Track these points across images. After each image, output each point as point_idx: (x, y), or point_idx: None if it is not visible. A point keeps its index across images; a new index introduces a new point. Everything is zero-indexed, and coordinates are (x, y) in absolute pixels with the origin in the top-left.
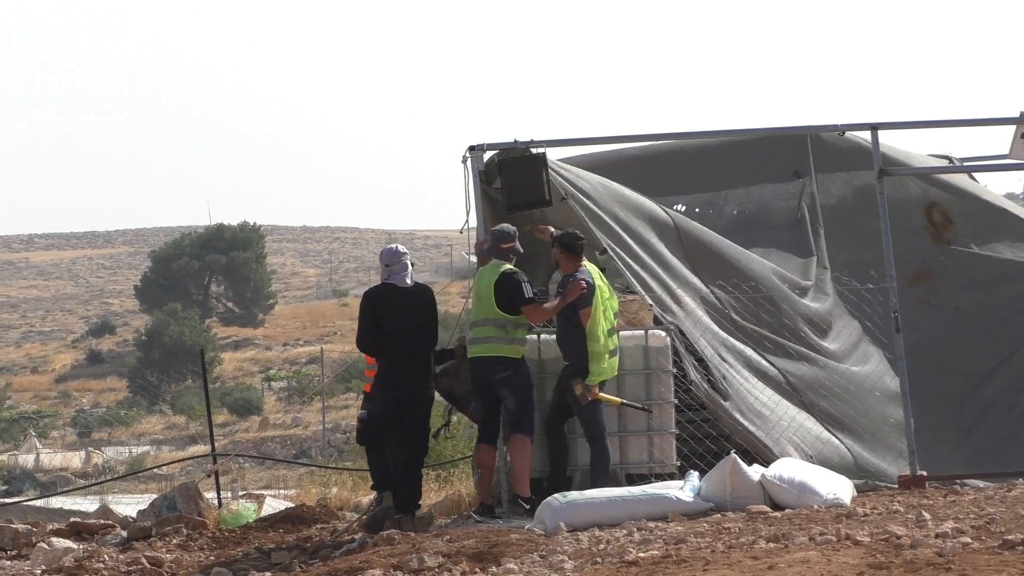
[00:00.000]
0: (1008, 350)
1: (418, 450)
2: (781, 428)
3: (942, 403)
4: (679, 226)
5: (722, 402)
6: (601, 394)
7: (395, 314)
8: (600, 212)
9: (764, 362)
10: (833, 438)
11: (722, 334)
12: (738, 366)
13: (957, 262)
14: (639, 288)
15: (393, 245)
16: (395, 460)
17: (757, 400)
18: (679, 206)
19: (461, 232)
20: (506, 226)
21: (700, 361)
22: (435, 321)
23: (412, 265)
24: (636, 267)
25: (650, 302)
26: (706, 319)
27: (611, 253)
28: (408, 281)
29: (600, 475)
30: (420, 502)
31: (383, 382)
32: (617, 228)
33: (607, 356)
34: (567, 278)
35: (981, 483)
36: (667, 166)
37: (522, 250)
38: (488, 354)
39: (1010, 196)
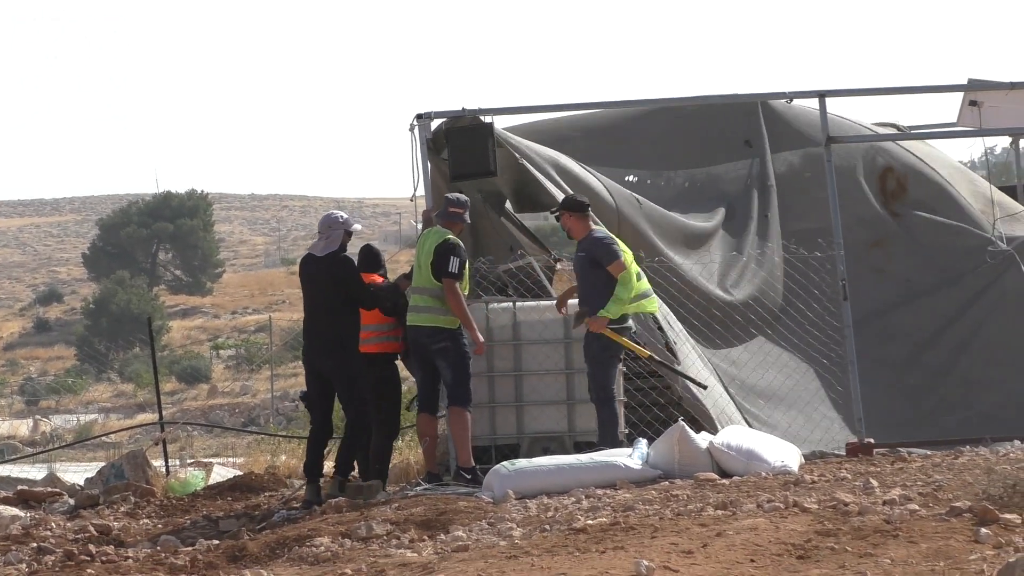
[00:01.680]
0: (954, 317)
1: (350, 421)
2: (722, 401)
3: (890, 371)
4: (620, 208)
5: (675, 367)
6: (619, 336)
7: (303, 284)
8: (549, 179)
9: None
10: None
11: (664, 307)
12: (682, 336)
13: (908, 229)
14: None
15: (325, 213)
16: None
17: (697, 371)
18: (630, 177)
19: (411, 200)
20: (460, 195)
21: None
22: (335, 291)
23: (347, 233)
24: None
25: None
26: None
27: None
28: (318, 251)
29: (608, 439)
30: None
31: None
32: (569, 190)
33: (631, 301)
34: (592, 241)
35: (928, 451)
36: (617, 137)
37: (469, 220)
38: (425, 323)
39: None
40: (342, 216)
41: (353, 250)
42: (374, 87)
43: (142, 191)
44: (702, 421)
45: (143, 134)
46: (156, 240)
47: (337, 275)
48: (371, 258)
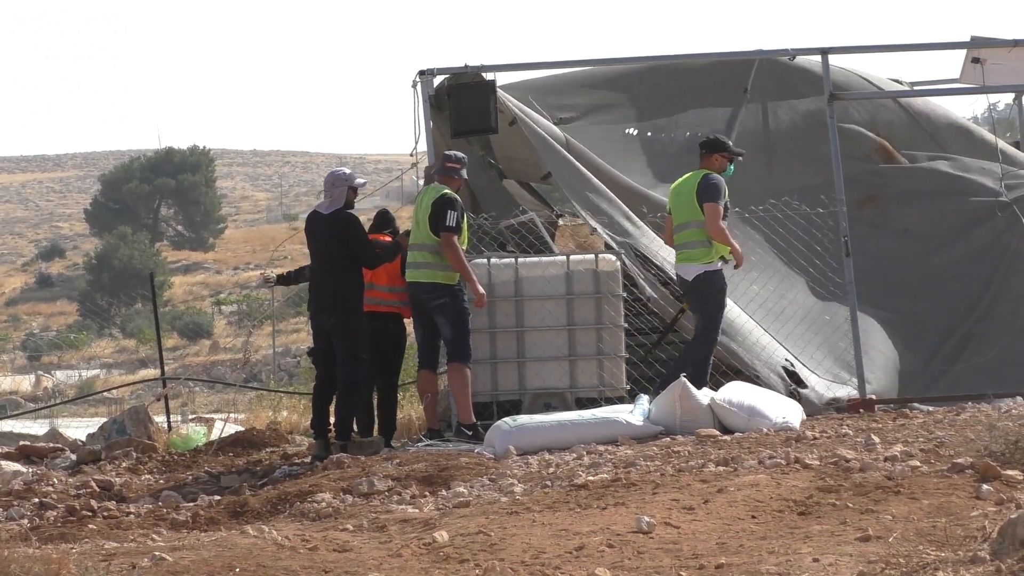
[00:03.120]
0: (954, 272)
1: (344, 377)
2: (751, 342)
3: (891, 326)
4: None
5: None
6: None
7: (308, 241)
8: (548, 137)
9: None
10: (796, 361)
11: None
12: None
13: (900, 181)
14: (584, 213)
15: (333, 169)
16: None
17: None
18: (630, 130)
19: (411, 156)
20: (457, 152)
21: (663, 273)
22: (339, 249)
23: (352, 190)
24: (585, 191)
25: (595, 226)
26: (659, 240)
27: (556, 179)
28: (323, 208)
29: (696, 371)
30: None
31: None
32: (565, 152)
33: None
34: (710, 178)
35: (930, 407)
36: (617, 91)
37: (466, 176)
38: (423, 280)
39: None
40: (346, 172)
41: (360, 205)
42: (377, 43)
43: (144, 147)
44: (727, 368)
45: (145, 90)
46: (158, 196)
47: (341, 233)
48: (384, 221)
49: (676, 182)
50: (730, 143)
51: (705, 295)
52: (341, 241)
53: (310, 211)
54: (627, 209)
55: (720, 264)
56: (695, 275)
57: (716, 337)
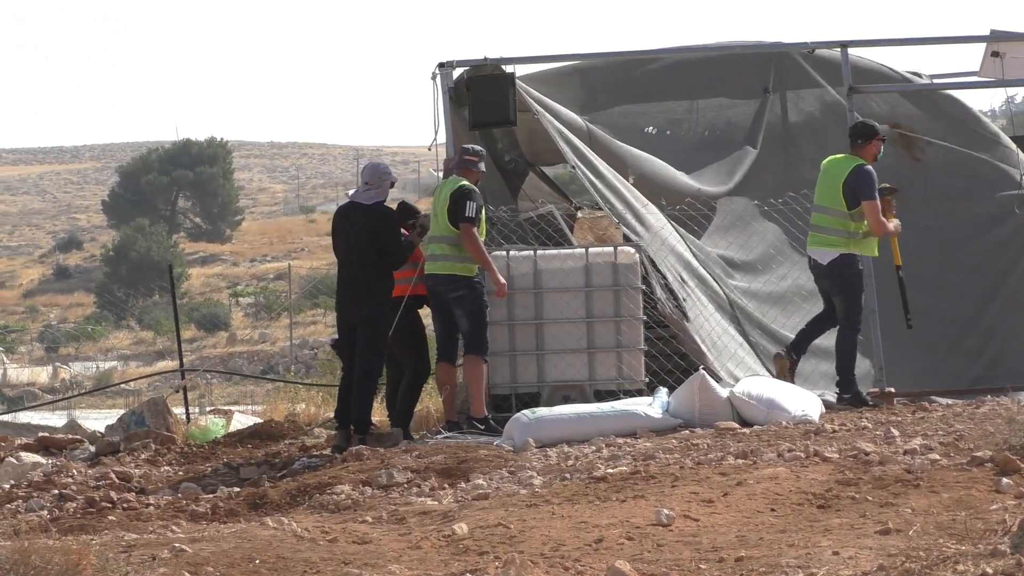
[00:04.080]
0: (976, 266)
1: (363, 368)
2: (725, 358)
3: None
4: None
5: (684, 323)
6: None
7: (339, 232)
8: (567, 129)
9: (715, 284)
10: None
11: (686, 256)
12: (697, 292)
13: (924, 177)
14: (604, 205)
15: (372, 162)
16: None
17: (711, 328)
18: (649, 128)
19: (429, 149)
20: (475, 145)
21: (665, 280)
22: (374, 241)
23: (389, 184)
24: (600, 185)
25: (615, 219)
26: (671, 239)
27: (577, 170)
28: (362, 199)
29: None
30: (374, 421)
31: None
32: (582, 145)
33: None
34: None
35: (949, 400)
36: (635, 88)
37: (484, 170)
38: (442, 272)
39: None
40: (388, 166)
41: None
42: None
43: (162, 138)
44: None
45: (163, 82)
46: (176, 187)
47: (377, 226)
48: (405, 212)
49: (827, 159)
50: (880, 126)
51: (844, 277)
52: (375, 233)
53: (345, 202)
54: (640, 208)
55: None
56: (830, 259)
57: (859, 324)
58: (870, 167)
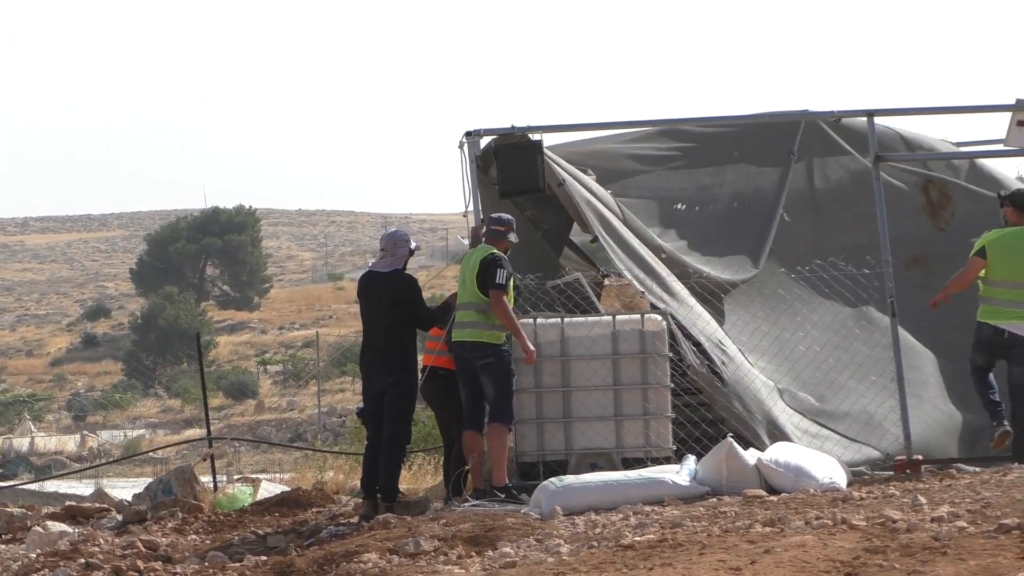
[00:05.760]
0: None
1: (390, 435)
2: (774, 415)
3: (936, 387)
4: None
5: (721, 387)
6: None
7: (362, 300)
8: (594, 199)
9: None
10: (823, 429)
11: (713, 324)
12: (739, 355)
13: (954, 246)
14: (629, 276)
15: (391, 230)
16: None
17: (753, 387)
18: (679, 205)
19: (463, 216)
20: (504, 214)
21: (697, 346)
22: (396, 309)
23: (410, 252)
24: (624, 256)
25: (641, 289)
26: (698, 308)
27: (602, 241)
28: (382, 267)
29: None
30: (401, 489)
31: None
32: (609, 215)
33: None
34: None
35: (977, 467)
36: (664, 156)
37: (517, 239)
38: (470, 339)
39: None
40: (406, 234)
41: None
42: (421, 103)
43: (190, 207)
44: (750, 439)
45: (191, 150)
46: (204, 255)
47: (399, 293)
48: None
49: (998, 233)
50: None
51: None
52: (399, 301)
53: (365, 271)
54: (667, 279)
55: None
56: None
57: None
58: None
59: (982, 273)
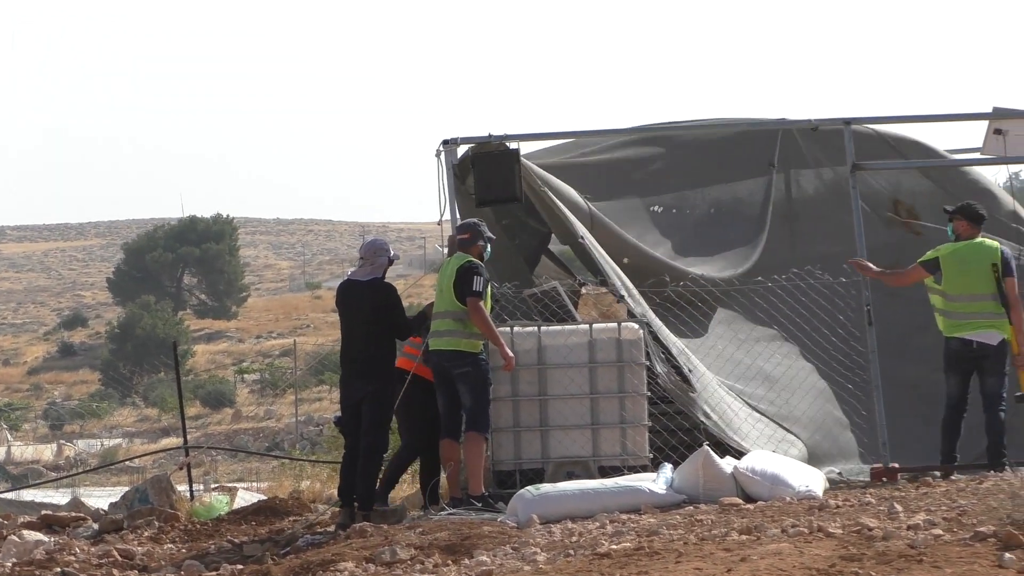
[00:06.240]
0: None
1: (368, 444)
2: (738, 424)
3: (910, 394)
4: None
5: (691, 394)
6: None
7: (341, 309)
8: (567, 210)
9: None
10: (788, 434)
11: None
12: (701, 365)
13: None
14: (612, 277)
15: (369, 238)
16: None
17: (719, 398)
18: (655, 207)
19: (439, 224)
20: (467, 220)
21: (667, 352)
22: (375, 318)
23: (390, 261)
24: (601, 263)
25: (623, 294)
26: (657, 321)
27: (587, 245)
28: (361, 276)
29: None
30: (385, 497)
31: None
32: (582, 227)
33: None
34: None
35: (953, 475)
36: (643, 165)
37: (492, 236)
38: (447, 347)
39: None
40: (386, 242)
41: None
42: (399, 112)
43: (168, 216)
44: (724, 445)
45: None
46: (182, 264)
47: (379, 302)
48: None
49: (950, 247)
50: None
51: (1002, 361)
52: (378, 309)
53: (344, 280)
54: (636, 292)
55: None
56: (1000, 340)
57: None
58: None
59: (940, 287)
